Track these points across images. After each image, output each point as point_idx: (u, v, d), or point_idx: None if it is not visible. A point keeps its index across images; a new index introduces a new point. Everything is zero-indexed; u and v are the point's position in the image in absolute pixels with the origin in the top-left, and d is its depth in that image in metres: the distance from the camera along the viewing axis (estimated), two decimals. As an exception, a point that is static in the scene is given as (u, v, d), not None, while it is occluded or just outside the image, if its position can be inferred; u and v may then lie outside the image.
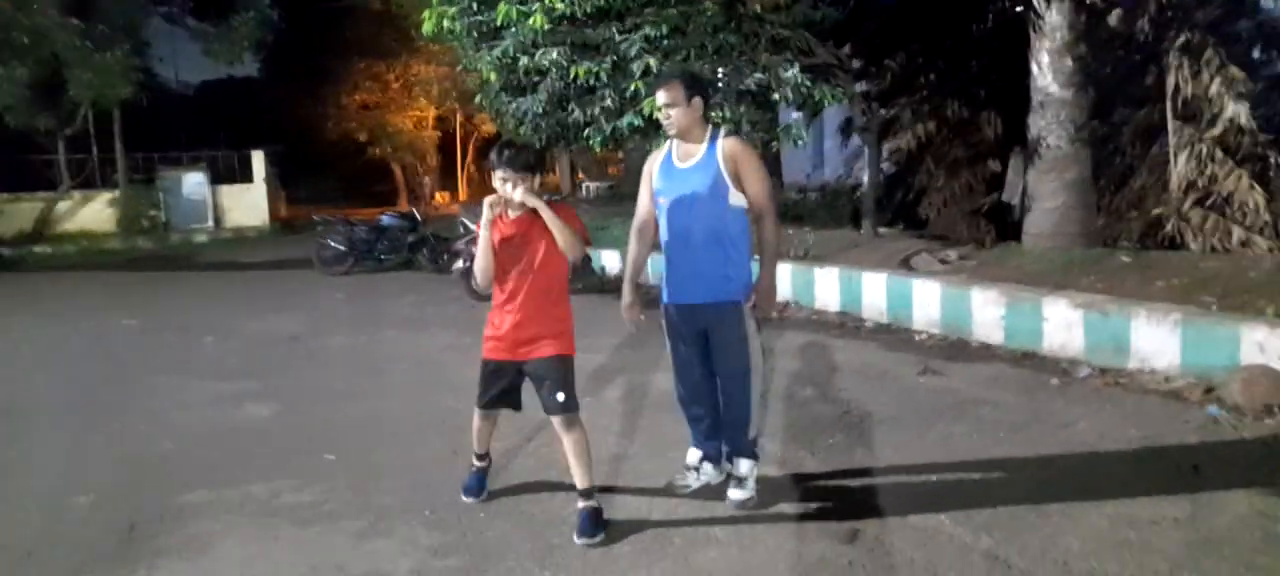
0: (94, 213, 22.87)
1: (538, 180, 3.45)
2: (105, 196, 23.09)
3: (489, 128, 31.37)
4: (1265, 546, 3.16)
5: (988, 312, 6.71)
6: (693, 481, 3.90)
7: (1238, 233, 7.72)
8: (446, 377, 6.40)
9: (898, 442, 4.47)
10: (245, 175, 25.09)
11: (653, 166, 3.79)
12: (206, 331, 8.86)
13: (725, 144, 3.63)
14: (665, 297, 3.78)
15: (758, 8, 8.83)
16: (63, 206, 22.89)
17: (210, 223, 23.95)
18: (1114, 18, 8.96)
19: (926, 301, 7.31)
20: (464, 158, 36.67)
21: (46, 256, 19.03)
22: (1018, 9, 8.97)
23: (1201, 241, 7.92)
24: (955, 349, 6.64)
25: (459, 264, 10.35)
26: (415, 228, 14.15)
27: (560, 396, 3.48)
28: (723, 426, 3.82)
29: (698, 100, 3.63)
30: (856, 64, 11.09)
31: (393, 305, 10.37)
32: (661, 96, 3.64)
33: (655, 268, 11.03)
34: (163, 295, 12.48)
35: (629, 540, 3.40)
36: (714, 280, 3.61)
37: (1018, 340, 6.42)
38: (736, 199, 3.60)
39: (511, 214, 3.48)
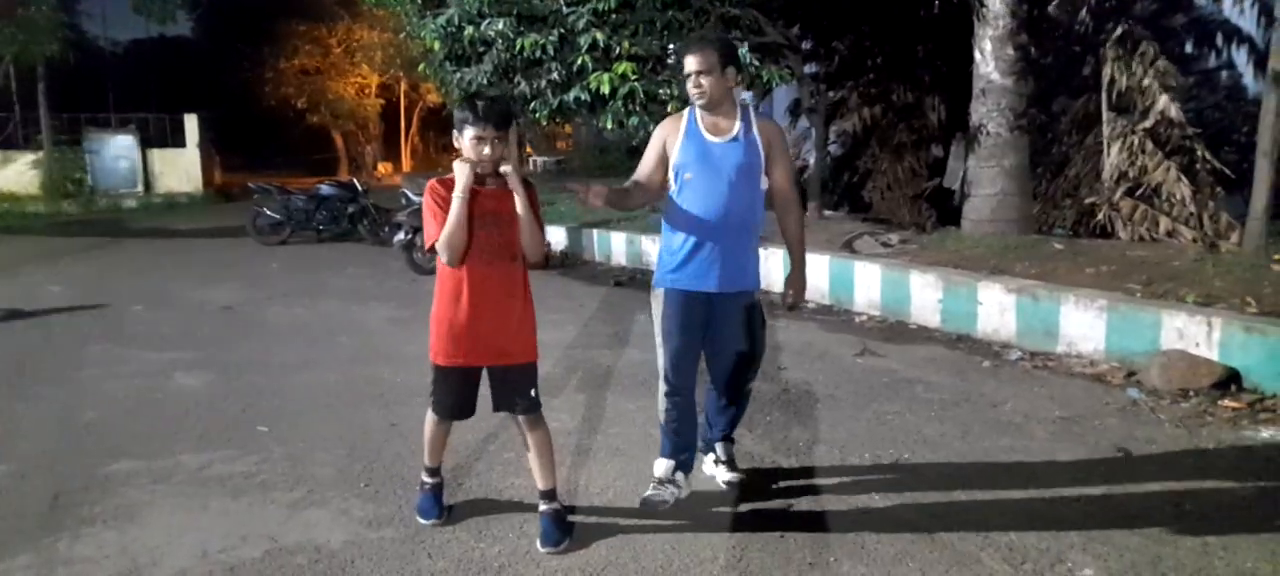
0: (15, 174, 21.99)
1: (514, 143, 3.07)
2: (28, 158, 22.22)
3: (434, 98, 30.92)
4: (1175, 522, 3.30)
5: (926, 296, 6.85)
6: (670, 495, 3.43)
7: (1165, 222, 8.00)
8: (385, 350, 6.31)
9: (834, 421, 4.55)
10: (178, 139, 24.36)
11: (671, 135, 3.37)
12: (136, 299, 8.60)
13: (763, 125, 3.37)
14: (675, 282, 3.35)
15: (707, -15, 8.84)
16: (-19, 166, 21.96)
17: (140, 188, 23.21)
18: (1054, 8, 9.18)
19: (867, 284, 7.43)
20: (408, 128, 36.06)
21: (-36, 218, 18.25)
22: (962, -4, 9.13)
23: (1130, 230, 8.19)
24: (894, 331, 6.77)
25: (400, 236, 10.21)
26: (355, 198, 13.89)
27: (532, 393, 3.11)
28: (722, 416, 3.62)
29: (732, 70, 3.31)
30: (806, 45, 11.18)
31: (331, 276, 10.18)
32: (692, 62, 3.26)
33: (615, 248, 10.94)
34: (90, 261, 12.07)
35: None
36: (739, 268, 3.35)
37: (954, 323, 6.57)
38: (764, 183, 3.38)
39: (487, 183, 2.96)
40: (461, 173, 2.87)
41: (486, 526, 3.31)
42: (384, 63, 30.39)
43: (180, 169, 24.10)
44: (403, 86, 33.28)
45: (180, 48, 36.93)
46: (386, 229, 12.34)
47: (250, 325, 7.45)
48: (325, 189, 14.22)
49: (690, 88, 3.31)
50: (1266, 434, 4.21)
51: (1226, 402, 4.63)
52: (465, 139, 2.90)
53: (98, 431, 4.54)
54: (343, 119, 32.84)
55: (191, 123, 24.37)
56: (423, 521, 3.32)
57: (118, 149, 23.20)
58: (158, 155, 23.90)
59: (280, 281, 9.87)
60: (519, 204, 2.91)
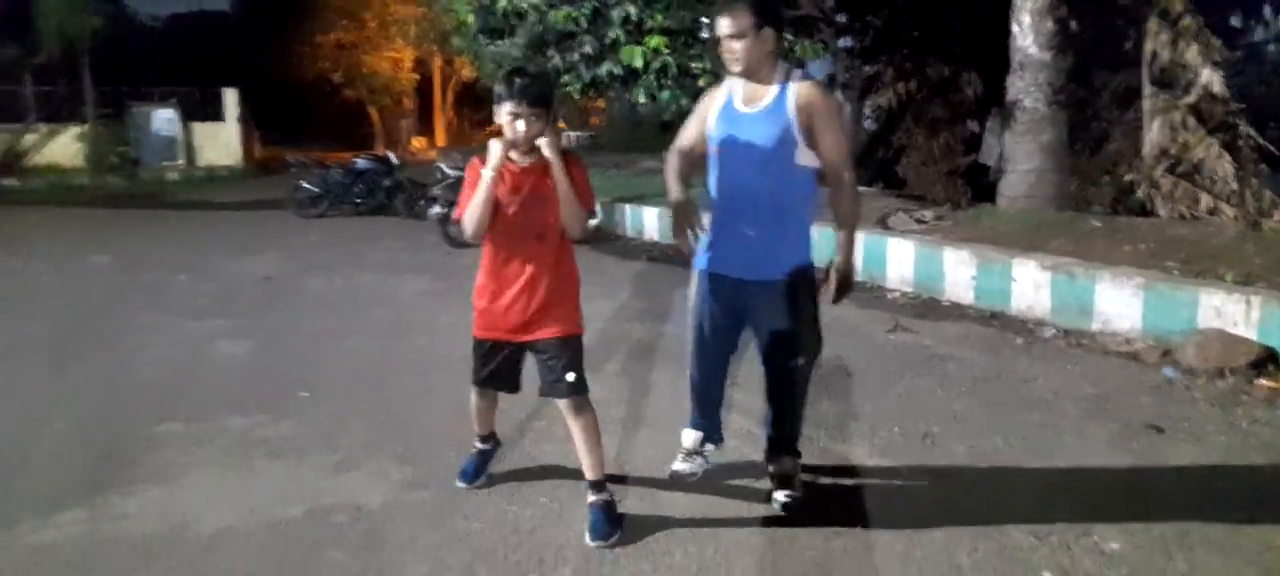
0: (61, 147, 22.43)
1: (553, 121, 2.92)
2: (73, 130, 22.64)
3: (469, 72, 31.00)
4: (1205, 499, 3.29)
5: (959, 273, 6.81)
6: (697, 467, 3.40)
7: (1206, 200, 7.86)
8: (421, 321, 6.42)
9: (864, 395, 4.57)
10: (217, 113, 24.68)
11: (709, 107, 3.19)
12: (179, 270, 8.80)
13: (799, 89, 2.99)
14: (702, 263, 3.21)
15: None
16: (29, 139, 22.43)
17: (181, 160, 23.59)
18: (1096, -19, 9.00)
19: (901, 260, 7.40)
20: (443, 102, 36.25)
21: (14, 190, 18.70)
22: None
23: (1170, 208, 8.06)
24: (927, 307, 6.74)
25: (436, 209, 10.31)
26: (391, 172, 14.03)
27: (570, 377, 3.01)
28: (773, 421, 3.31)
29: (769, 31, 2.98)
30: (841, 18, 11.07)
31: (367, 249, 10.33)
32: (725, 25, 2.98)
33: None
34: (135, 233, 12.34)
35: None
36: (765, 254, 3.05)
37: (987, 300, 6.53)
38: (805, 157, 3.01)
39: (520, 160, 2.92)
40: (494, 150, 2.85)
41: (520, 491, 3.38)
42: (418, 36, 30.54)
43: (220, 142, 24.45)
44: (437, 61, 33.42)
45: (219, 22, 37.40)
46: (422, 203, 12.47)
47: (289, 295, 7.61)
48: (362, 163, 14.38)
49: (723, 53, 3.06)
50: (1303, 413, 4.17)
51: (1263, 382, 4.58)
52: (502, 114, 2.87)
53: (145, 395, 4.69)
54: (378, 93, 33.09)
55: (231, 96, 24.67)
56: (460, 483, 3.39)
57: (160, 122, 23.57)
58: (198, 128, 24.25)
59: (318, 253, 10.04)
60: (558, 180, 2.87)
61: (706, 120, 3.18)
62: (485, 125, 38.13)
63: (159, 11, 36.44)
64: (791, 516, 3.15)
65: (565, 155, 2.92)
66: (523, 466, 3.63)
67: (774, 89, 3.02)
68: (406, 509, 3.27)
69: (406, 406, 4.44)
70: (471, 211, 2.90)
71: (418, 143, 34.82)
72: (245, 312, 6.83)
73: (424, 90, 35.36)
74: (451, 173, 10.73)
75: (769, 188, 3.02)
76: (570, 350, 3.03)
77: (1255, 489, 3.40)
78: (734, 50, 3.00)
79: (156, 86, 24.64)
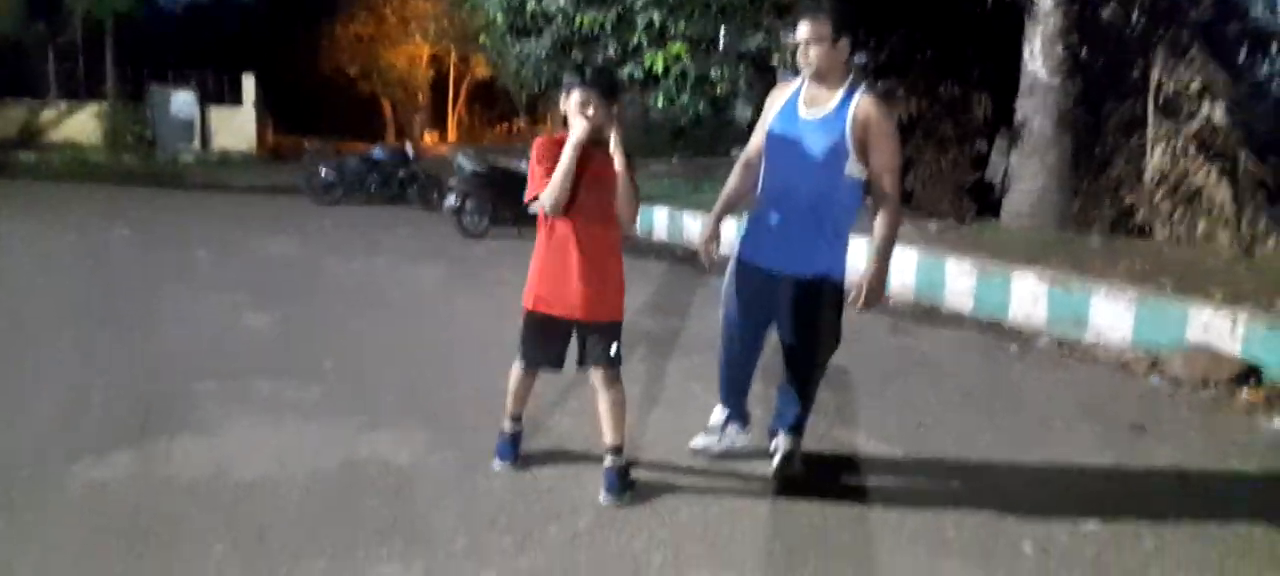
0: (80, 124, 22.74)
1: (617, 111, 3.08)
2: (92, 109, 22.94)
3: (483, 71, 31.32)
4: (1182, 496, 3.51)
5: (960, 282, 7.03)
6: (715, 443, 3.59)
7: (1203, 225, 8.07)
8: (438, 304, 6.67)
9: (862, 393, 4.78)
10: (234, 98, 24.97)
11: (775, 102, 3.33)
12: (199, 246, 9.04)
13: (861, 102, 3.12)
14: (740, 250, 3.38)
15: (763, -30, 9.04)
16: (48, 115, 22.74)
17: (197, 144, 23.88)
18: (1108, 10, 9.22)
19: (904, 268, 7.61)
20: (455, 100, 36.54)
21: (33, 164, 18.99)
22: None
23: (1169, 231, 8.27)
24: (927, 314, 6.96)
25: (451, 201, 10.56)
26: (407, 163, 14.29)
27: (613, 349, 3.22)
28: (782, 402, 3.47)
29: (845, 42, 3.13)
30: (858, 34, 11.31)
31: (383, 236, 10.57)
32: (804, 30, 3.12)
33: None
34: (154, 210, 12.59)
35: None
36: (802, 252, 3.20)
37: (986, 310, 6.75)
38: (855, 169, 3.14)
39: (593, 148, 3.07)
40: (577, 127, 3.01)
41: (539, 458, 3.59)
42: (437, 33, 30.85)
43: (236, 127, 24.74)
44: (453, 58, 33.72)
45: (240, 9, 37.71)
46: (436, 195, 12.72)
47: (308, 275, 7.85)
48: (378, 153, 14.65)
49: (800, 56, 3.20)
50: (1278, 424, 4.38)
51: (1244, 394, 4.79)
52: (572, 101, 3.04)
53: (178, 357, 4.93)
54: (393, 87, 33.40)
55: (249, 82, 24.96)
56: (497, 463, 3.48)
57: (178, 104, 23.88)
58: (215, 112, 24.55)
59: (334, 237, 10.28)
60: (618, 161, 3.05)
61: (769, 115, 3.32)
62: (495, 123, 38.39)
63: (181, -1, 36.72)
64: (791, 487, 3.37)
65: (624, 153, 3.10)
66: (543, 438, 3.83)
67: (838, 96, 3.17)
68: (433, 467, 3.50)
69: (428, 379, 4.67)
70: (553, 187, 3.03)
71: (429, 137, 35.11)
72: (266, 288, 7.06)
73: (438, 87, 35.67)
74: (468, 167, 10.97)
75: (814, 191, 3.17)
76: (617, 330, 3.27)
77: (1228, 487, 3.62)
78: (811, 55, 3.15)
79: (175, 69, 24.92)
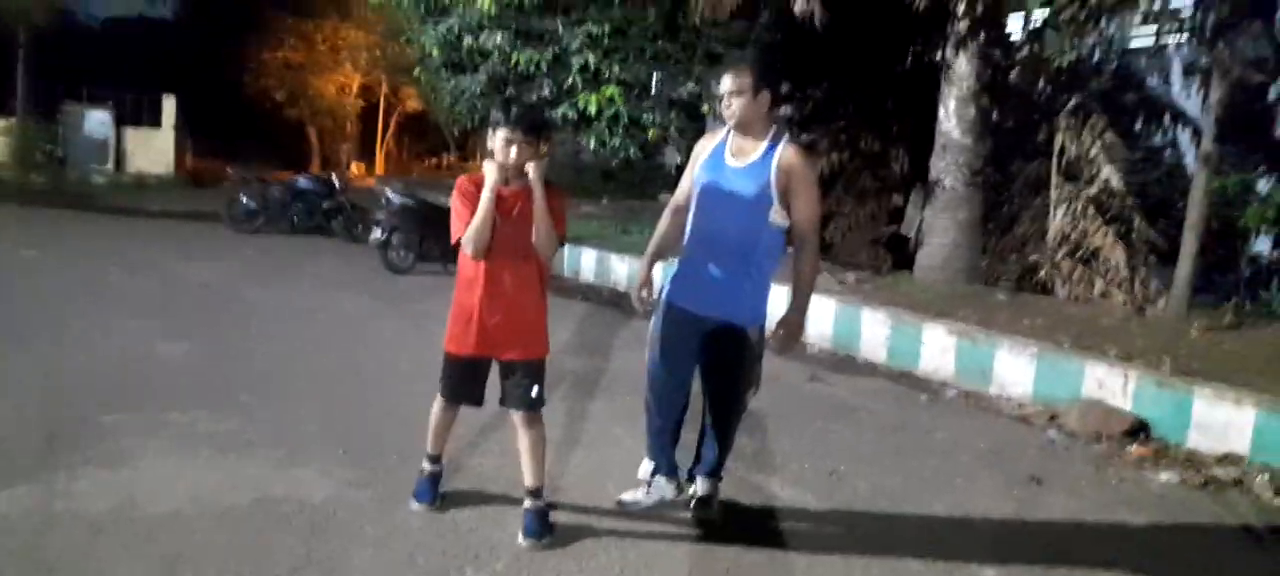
0: (-13, 141, 21.71)
1: (545, 149, 3.12)
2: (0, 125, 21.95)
3: (414, 104, 31.11)
4: (1074, 544, 3.72)
5: (875, 332, 7.28)
6: (644, 497, 3.60)
7: (1099, 284, 8.52)
8: (360, 336, 6.59)
9: (779, 434, 4.92)
10: (154, 120, 24.24)
11: (702, 151, 3.42)
12: (112, 269, 8.76)
13: (785, 152, 3.24)
14: (668, 294, 3.45)
15: (696, 21, 9.30)
16: (-51, 131, 21.67)
17: (111, 165, 23.07)
18: (1016, 75, 9.75)
19: (822, 317, 7.83)
20: (384, 131, 36.16)
21: (-70, 179, 18.08)
22: (933, 55, 9.67)
23: (1069, 289, 8.71)
24: (843, 363, 7.18)
25: (377, 234, 10.44)
26: (332, 194, 14.05)
27: (534, 391, 3.23)
28: (702, 446, 3.55)
29: (766, 94, 3.27)
30: (784, 88, 11.70)
31: (306, 267, 10.39)
32: (727, 82, 3.24)
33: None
34: (64, 231, 12.13)
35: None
36: (727, 297, 3.30)
37: (899, 360, 6.99)
38: (778, 216, 3.26)
39: (510, 184, 3.12)
40: (490, 172, 3.06)
41: (459, 497, 3.60)
42: (369, 64, 30.58)
43: (154, 149, 24.00)
44: (384, 89, 33.43)
45: (160, 29, 36.70)
46: (361, 227, 12.56)
47: (227, 302, 7.67)
48: (303, 182, 14.39)
49: (722, 107, 3.32)
50: (1164, 477, 4.66)
51: (1134, 448, 5.08)
52: (496, 139, 3.09)
53: (87, 384, 4.78)
54: (321, 115, 32.89)
55: (169, 104, 24.28)
56: (416, 504, 3.45)
57: (93, 124, 23.07)
58: (132, 134, 23.78)
59: (257, 266, 10.07)
60: (536, 201, 3.07)
61: (696, 163, 3.43)
62: (424, 157, 38.09)
63: (100, 14, 35.59)
64: (709, 532, 3.45)
65: (548, 184, 3.13)
66: (463, 477, 3.85)
67: (763, 146, 3.28)
68: (350, 503, 3.48)
69: (348, 413, 4.63)
70: (473, 230, 3.07)
71: (356, 168, 34.60)
72: (183, 315, 6.89)
73: (366, 117, 35.27)
74: (396, 199, 10.89)
75: (741, 236, 3.27)
76: (538, 369, 3.26)
77: (1118, 539, 3.84)
78: (732, 106, 3.27)
79: (93, 87, 24.07)
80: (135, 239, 11.92)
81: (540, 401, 3.26)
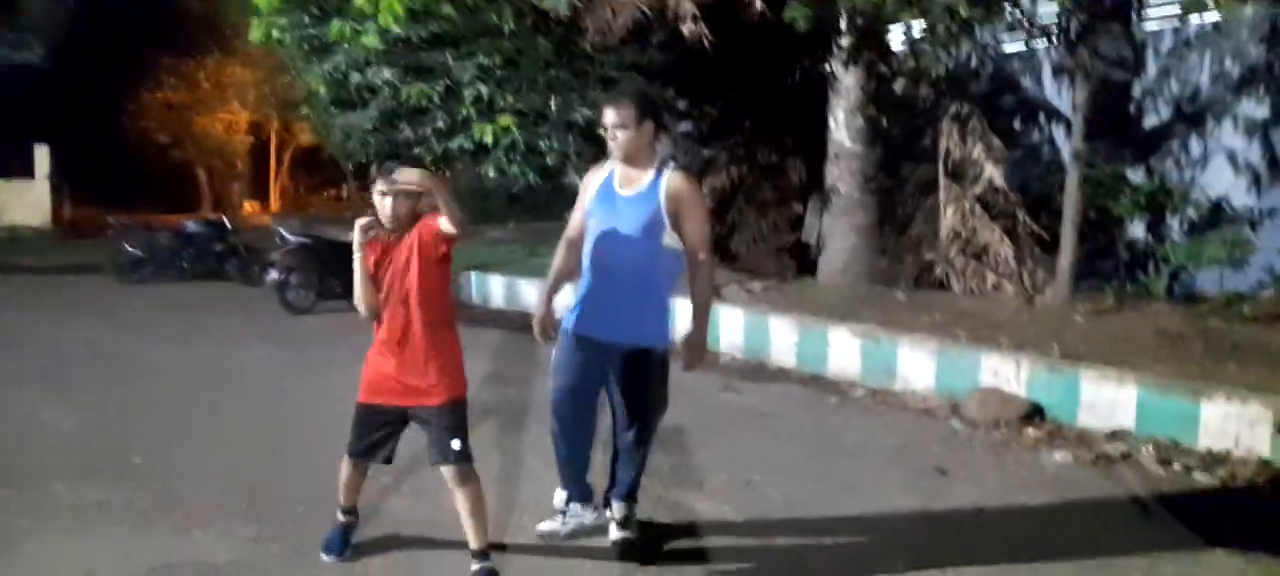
0: None
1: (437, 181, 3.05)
2: None
3: (307, 138, 30.28)
4: (977, 527, 3.87)
5: (783, 338, 7.44)
6: (561, 526, 3.63)
7: (991, 278, 8.92)
8: (261, 388, 6.35)
9: (696, 447, 4.98)
10: (26, 170, 22.96)
11: (591, 184, 3.49)
12: (-14, 334, 8.23)
13: (671, 179, 3.33)
14: (569, 324, 3.47)
15: (588, 48, 9.36)
16: None
17: (-19, 219, 21.73)
18: (899, 85, 10.13)
19: (732, 327, 7.97)
20: (278, 167, 35.08)
21: None
22: (820, 69, 9.98)
23: (964, 284, 9.08)
24: (755, 370, 7.30)
25: (273, 275, 10.11)
26: (224, 236, 13.55)
27: (455, 444, 3.10)
28: (616, 469, 3.58)
29: (649, 124, 3.34)
30: (682, 106, 11.88)
31: (199, 315, 9.97)
32: (610, 116, 3.32)
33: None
34: (-72, 295, 11.33)
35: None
36: (629, 322, 3.35)
37: (807, 363, 7.16)
38: (671, 240, 3.35)
39: (390, 234, 3.10)
40: (355, 233, 3.06)
41: (370, 545, 3.50)
42: (256, 100, 29.61)
43: (28, 202, 22.75)
44: (274, 125, 32.43)
45: (27, 75, 34.81)
46: (256, 268, 12.13)
47: (114, 362, 7.28)
48: (192, 226, 13.84)
49: (608, 140, 3.39)
50: (1058, 457, 4.90)
51: (1030, 432, 5.32)
52: (375, 193, 3.07)
53: (-40, 463, 4.47)
54: (208, 155, 31.66)
55: (42, 153, 23.06)
56: (325, 558, 3.34)
57: (-43, 178, 21.70)
58: (3, 186, 22.49)
59: (144, 319, 9.61)
60: (438, 189, 2.98)
61: (586, 196, 3.49)
62: (322, 191, 37.13)
63: (-41, 61, 33.45)
64: (629, 554, 3.46)
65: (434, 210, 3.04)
66: (376, 525, 3.73)
67: (649, 175, 3.36)
68: (255, 562, 3.35)
69: (250, 470, 4.45)
70: (358, 296, 3.09)
71: (250, 206, 33.42)
72: (65, 379, 6.51)
73: (258, 154, 34.13)
74: (292, 239, 10.57)
75: (636, 264, 3.34)
76: (455, 416, 3.14)
77: (1018, 520, 4.03)
78: (617, 139, 3.33)
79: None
80: (10, 298, 11.22)
81: (464, 455, 3.13)
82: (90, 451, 4.74)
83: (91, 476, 4.26)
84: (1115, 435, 5.21)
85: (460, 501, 3.13)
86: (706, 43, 8.44)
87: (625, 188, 3.39)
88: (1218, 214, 9.18)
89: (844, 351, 6.89)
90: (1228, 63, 9.35)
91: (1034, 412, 5.55)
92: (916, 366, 6.37)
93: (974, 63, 10.78)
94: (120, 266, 13.04)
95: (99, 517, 3.77)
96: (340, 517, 3.42)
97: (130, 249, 13.09)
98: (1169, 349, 5.97)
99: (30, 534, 3.57)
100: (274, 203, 34.28)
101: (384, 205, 3.04)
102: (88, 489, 4.09)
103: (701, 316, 3.46)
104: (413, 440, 3.28)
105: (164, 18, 27.58)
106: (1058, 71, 10.78)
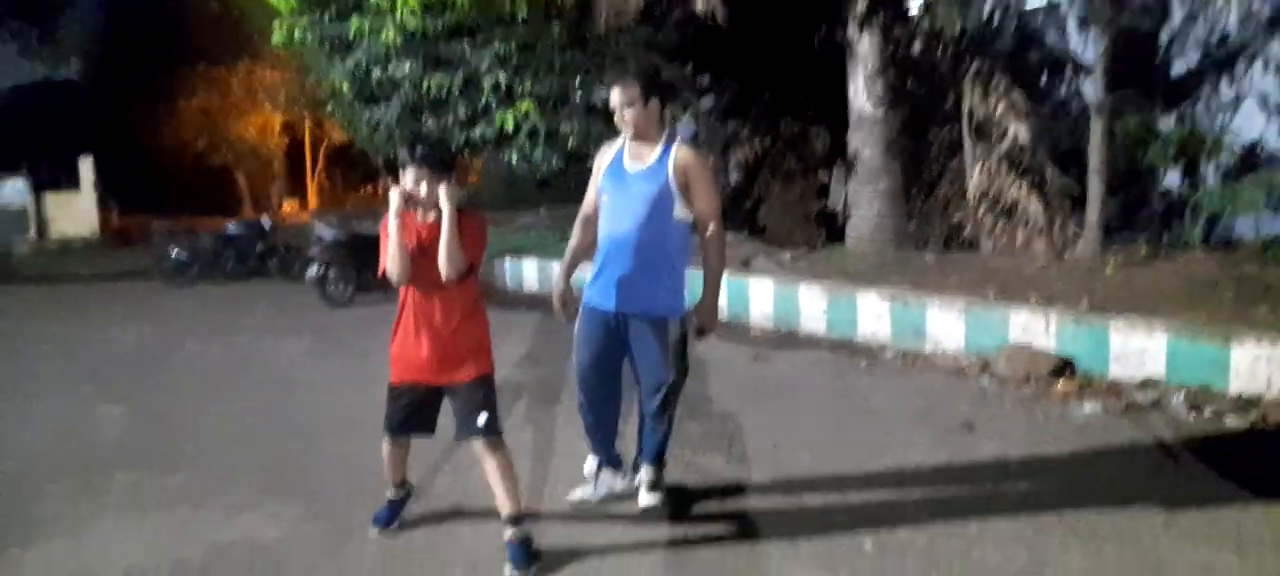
0: (-105, 223, 20.94)
1: (454, 180, 3.18)
2: (-94, 204, 21.19)
3: (341, 135, 30.68)
4: (1005, 479, 3.92)
5: (813, 306, 7.49)
6: (592, 493, 3.76)
7: (1021, 235, 8.87)
8: (301, 380, 6.54)
9: (726, 415, 5.07)
10: (72, 182, 23.58)
11: (603, 161, 3.62)
12: (43, 341, 8.55)
13: (678, 153, 3.44)
14: (586, 298, 3.59)
15: (602, 29, 9.42)
16: None
17: (33, 233, 22.39)
18: (917, 47, 10.07)
19: (761, 298, 8.03)
20: (314, 165, 35.62)
21: None
22: (837, 36, 9.95)
23: (993, 243, 9.05)
24: (785, 339, 7.36)
25: (312, 271, 10.36)
26: (264, 236, 13.88)
27: (483, 418, 3.22)
28: (641, 436, 3.70)
29: (655, 101, 3.46)
30: (702, 82, 11.92)
31: (243, 315, 10.25)
32: (617, 94, 3.44)
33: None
34: (-14, 308, 11.77)
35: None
36: (644, 292, 3.46)
37: (837, 330, 7.21)
38: (681, 212, 3.46)
39: (425, 216, 3.20)
40: (394, 198, 3.12)
41: (416, 518, 3.66)
42: (287, 101, 30.07)
43: (75, 212, 23.34)
44: (308, 123, 32.91)
45: (67, 91, 35.67)
46: (297, 266, 12.42)
47: (164, 360, 7.56)
48: (233, 228, 14.19)
49: (617, 120, 3.49)
50: (1088, 408, 4.92)
51: (1060, 385, 5.34)
52: (407, 178, 3.16)
53: (30, 456, 4.71)
54: (245, 158, 32.27)
55: (86, 165, 23.61)
56: (372, 530, 3.51)
57: (8, 193, 22.33)
58: (51, 199, 23.12)
59: (191, 320, 9.90)
60: (445, 216, 3.07)
61: (598, 174, 3.61)
62: (358, 187, 37.61)
63: (2, 84, 34.37)
64: (657, 516, 3.57)
65: (464, 211, 3.16)
66: (418, 500, 3.87)
67: (658, 150, 3.47)
68: (303, 541, 3.52)
69: (295, 455, 4.63)
70: (389, 259, 3.15)
71: (288, 206, 34.02)
72: (119, 377, 6.77)
73: (294, 153, 34.66)
74: (328, 235, 10.81)
75: (649, 237, 3.43)
76: (483, 390, 3.26)
77: (1042, 470, 4.08)
78: (626, 116, 3.45)
79: (5, 157, 23.28)
80: (64, 306, 11.62)
81: (491, 428, 3.24)
82: (145, 442, 4.97)
83: (148, 465, 4.47)
84: (1146, 384, 5.21)
85: (490, 471, 3.25)
86: (718, 18, 8.46)
87: (635, 163, 3.50)
88: (1252, 158, 9.03)
89: (873, 316, 6.93)
90: (1256, 3, 9.16)
91: (1064, 366, 5.57)
92: (946, 326, 6.39)
93: (996, 20, 10.64)
94: (166, 271, 13.42)
95: (157, 502, 3.96)
96: (390, 494, 3.57)
97: (175, 253, 13.46)
98: (1200, 296, 5.94)
99: (94, 519, 3.78)
100: (312, 201, 34.84)
101: (419, 188, 3.14)
102: (145, 476, 4.30)
103: (714, 284, 3.58)
104: (448, 426, 3.40)
105: (193, 27, 28.10)
106: (1082, 22, 10.62)
